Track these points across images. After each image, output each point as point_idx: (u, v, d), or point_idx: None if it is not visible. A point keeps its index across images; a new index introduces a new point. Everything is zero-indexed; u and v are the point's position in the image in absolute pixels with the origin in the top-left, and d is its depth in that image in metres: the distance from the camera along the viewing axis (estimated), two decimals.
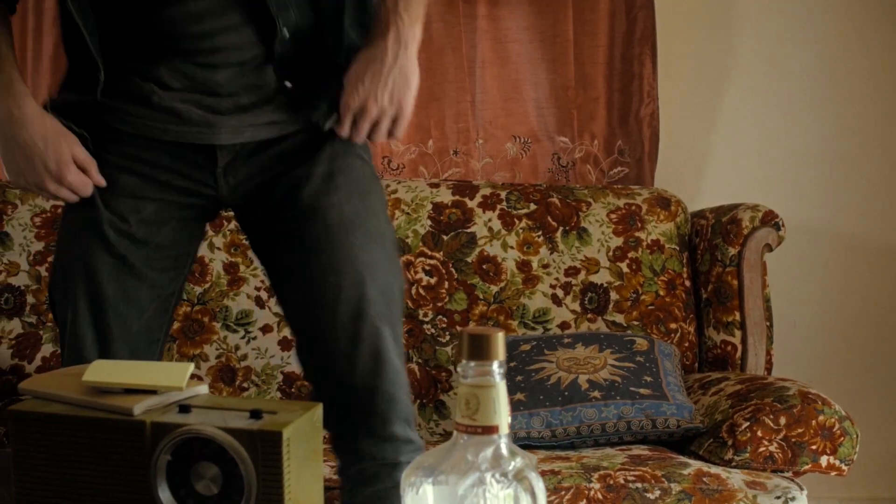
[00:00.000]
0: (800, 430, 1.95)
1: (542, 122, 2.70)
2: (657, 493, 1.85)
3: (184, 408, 0.94)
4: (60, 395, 0.97)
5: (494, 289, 2.44)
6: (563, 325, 2.43)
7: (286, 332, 2.37)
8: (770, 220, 2.38)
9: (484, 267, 2.45)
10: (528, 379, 2.18)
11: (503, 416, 0.90)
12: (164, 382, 0.95)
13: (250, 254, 2.36)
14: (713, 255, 2.44)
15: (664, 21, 2.70)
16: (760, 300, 2.38)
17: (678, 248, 2.48)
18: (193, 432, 0.90)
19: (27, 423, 0.96)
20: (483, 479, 0.90)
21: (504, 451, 0.90)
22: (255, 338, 2.38)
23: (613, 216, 2.49)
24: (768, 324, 2.39)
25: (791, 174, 2.80)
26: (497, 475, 0.90)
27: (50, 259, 2.36)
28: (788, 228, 2.41)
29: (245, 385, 2.33)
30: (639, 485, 1.86)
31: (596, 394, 2.12)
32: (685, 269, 2.48)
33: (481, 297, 2.42)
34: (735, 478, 1.90)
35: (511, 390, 2.16)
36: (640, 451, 2.06)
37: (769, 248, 2.39)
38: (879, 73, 2.80)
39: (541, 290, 2.44)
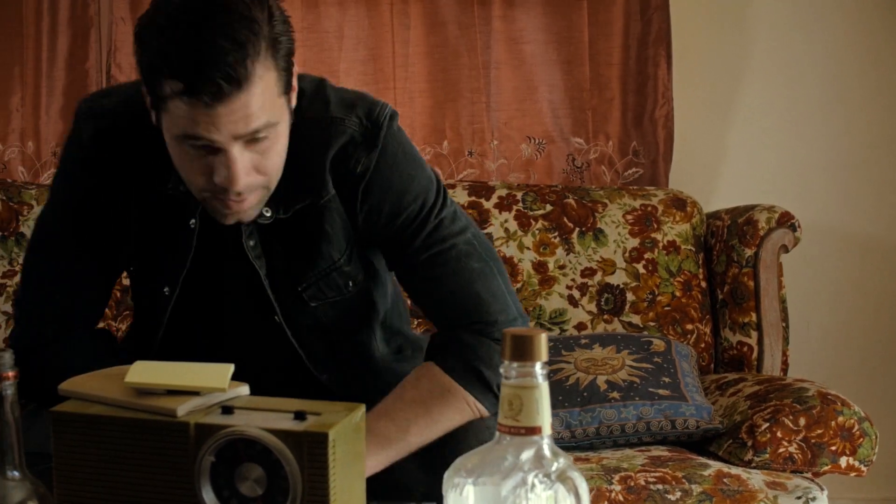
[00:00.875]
0: (819, 431, 1.96)
1: (556, 123, 2.70)
2: (678, 494, 1.86)
3: (227, 409, 0.95)
4: (102, 396, 0.97)
5: None
6: (580, 326, 2.43)
7: None
8: (786, 221, 2.38)
9: None
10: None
11: (546, 417, 0.91)
12: (207, 384, 0.96)
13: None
14: (729, 256, 2.44)
15: (679, 22, 2.70)
16: (776, 301, 2.38)
17: (694, 249, 2.49)
18: (239, 434, 0.90)
19: (69, 425, 0.96)
20: (526, 479, 0.90)
21: (547, 451, 0.91)
22: None
23: (629, 217, 2.49)
24: (784, 325, 2.39)
25: (804, 175, 2.80)
26: (540, 476, 0.91)
27: None
28: (801, 229, 2.42)
29: None
30: (660, 486, 1.86)
31: (615, 394, 2.12)
32: (701, 270, 2.48)
33: None
34: (755, 478, 1.90)
35: None
36: (659, 451, 2.06)
37: (785, 249, 2.39)
38: (893, 74, 2.81)
39: (557, 291, 2.44)
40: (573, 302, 2.44)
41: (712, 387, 2.28)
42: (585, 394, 2.13)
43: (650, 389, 2.13)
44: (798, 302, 2.64)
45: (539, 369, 0.89)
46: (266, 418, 0.92)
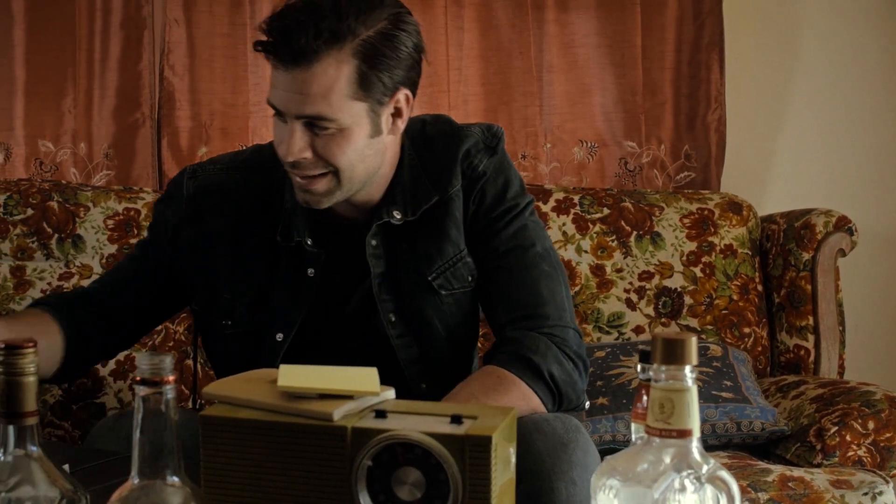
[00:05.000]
0: (888, 435, 1.97)
1: (609, 126, 2.71)
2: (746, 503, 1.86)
3: (380, 413, 0.95)
4: (252, 400, 0.97)
5: None
6: (638, 330, 2.44)
7: None
8: (843, 225, 2.39)
9: None
10: (609, 383, 2.19)
11: (696, 420, 0.91)
12: (359, 387, 0.96)
13: None
14: (786, 259, 2.45)
15: (731, 26, 2.71)
16: (834, 304, 2.39)
17: (750, 253, 2.49)
18: (399, 438, 0.90)
19: (219, 429, 0.96)
20: (679, 482, 0.91)
21: (696, 454, 0.91)
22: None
23: (686, 221, 2.50)
24: (841, 328, 2.40)
25: (854, 179, 2.81)
26: (691, 478, 0.91)
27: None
28: (858, 233, 2.43)
29: None
30: None
31: None
32: (757, 274, 2.49)
33: None
34: (819, 479, 1.90)
35: (593, 395, 2.17)
36: (720, 459, 2.06)
37: (842, 252, 2.40)
38: None
39: (615, 294, 2.45)
40: (631, 305, 2.45)
41: (772, 389, 2.28)
42: None
43: (713, 392, 2.14)
44: (846, 305, 2.65)
45: (688, 372, 0.90)
46: (423, 422, 0.92)
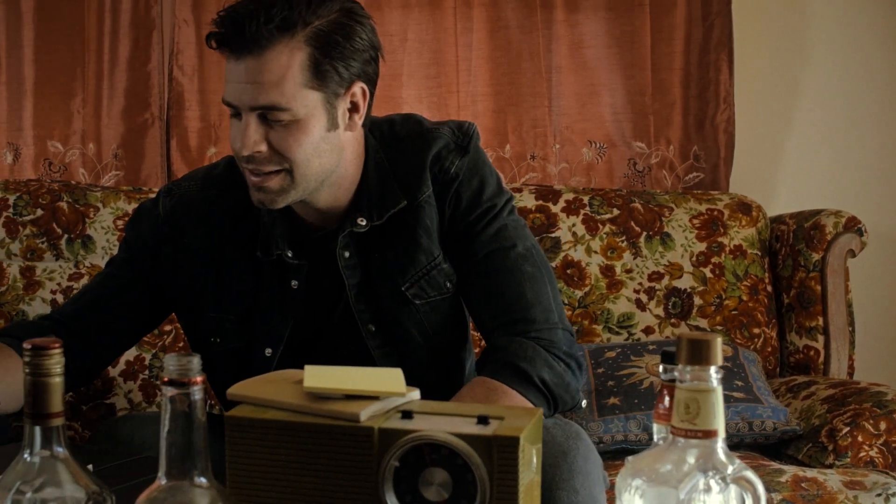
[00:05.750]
0: None
1: (618, 127, 2.71)
2: None
3: (406, 413, 0.95)
4: (278, 401, 0.98)
5: (579, 293, 2.45)
6: (647, 330, 2.44)
7: None
8: (853, 225, 2.39)
9: (568, 272, 2.46)
10: (621, 383, 2.19)
11: (721, 421, 0.92)
12: (386, 388, 0.96)
13: None
14: (796, 260, 2.45)
15: (740, 27, 2.71)
16: (843, 305, 2.39)
17: (760, 254, 2.50)
18: (427, 438, 0.90)
19: (245, 430, 0.96)
20: (704, 482, 0.91)
21: (721, 454, 0.92)
22: None
23: (696, 221, 2.50)
24: (850, 329, 2.40)
25: (862, 180, 2.81)
26: (717, 478, 0.91)
27: None
28: (868, 234, 2.43)
29: None
30: None
31: None
32: (767, 275, 2.49)
33: (566, 301, 2.43)
34: (832, 479, 1.90)
35: (604, 394, 2.17)
36: None
37: (852, 253, 2.40)
38: None
39: (625, 294, 2.45)
40: (640, 306, 2.45)
41: (782, 389, 2.29)
42: None
43: (724, 392, 2.13)
44: (854, 305, 2.64)
45: (714, 373, 0.90)
46: (450, 423, 0.93)
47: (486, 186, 1.50)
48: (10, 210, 2.44)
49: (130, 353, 2.41)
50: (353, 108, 1.43)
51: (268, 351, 1.49)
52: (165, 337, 2.42)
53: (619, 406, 2.15)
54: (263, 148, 1.38)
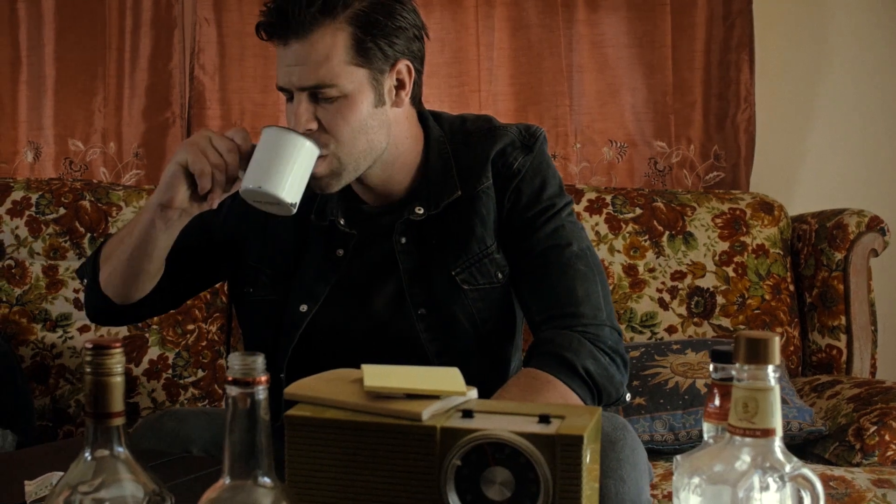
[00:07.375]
0: None
1: (638, 126, 2.71)
2: None
3: (466, 413, 0.95)
4: (338, 400, 0.98)
5: None
6: (671, 329, 2.45)
7: None
8: (876, 225, 2.40)
9: None
10: (646, 383, 2.20)
11: (778, 419, 0.92)
12: (446, 387, 0.96)
13: None
14: (818, 259, 2.45)
15: (760, 26, 2.71)
16: (866, 304, 2.39)
17: (782, 253, 2.50)
18: (489, 437, 0.91)
19: (305, 429, 0.96)
20: (762, 480, 0.91)
21: (779, 453, 0.92)
22: None
23: (718, 221, 2.50)
24: (873, 328, 2.40)
25: (883, 179, 2.81)
26: (776, 477, 0.92)
27: None
28: (891, 233, 2.43)
29: None
30: None
31: None
32: (789, 274, 2.49)
33: None
34: (860, 478, 1.90)
35: (629, 394, 2.17)
36: None
37: (875, 252, 2.41)
38: None
39: (648, 294, 2.46)
40: (663, 305, 2.45)
41: (806, 388, 2.29)
42: (686, 397, 2.14)
43: None
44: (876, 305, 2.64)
45: (772, 372, 0.91)
46: (511, 422, 0.93)
47: (548, 186, 1.55)
48: (33, 209, 2.44)
49: (154, 353, 2.41)
50: (400, 85, 1.48)
51: (303, 307, 1.53)
52: (189, 336, 2.42)
53: (644, 406, 2.15)
54: (314, 126, 1.42)
